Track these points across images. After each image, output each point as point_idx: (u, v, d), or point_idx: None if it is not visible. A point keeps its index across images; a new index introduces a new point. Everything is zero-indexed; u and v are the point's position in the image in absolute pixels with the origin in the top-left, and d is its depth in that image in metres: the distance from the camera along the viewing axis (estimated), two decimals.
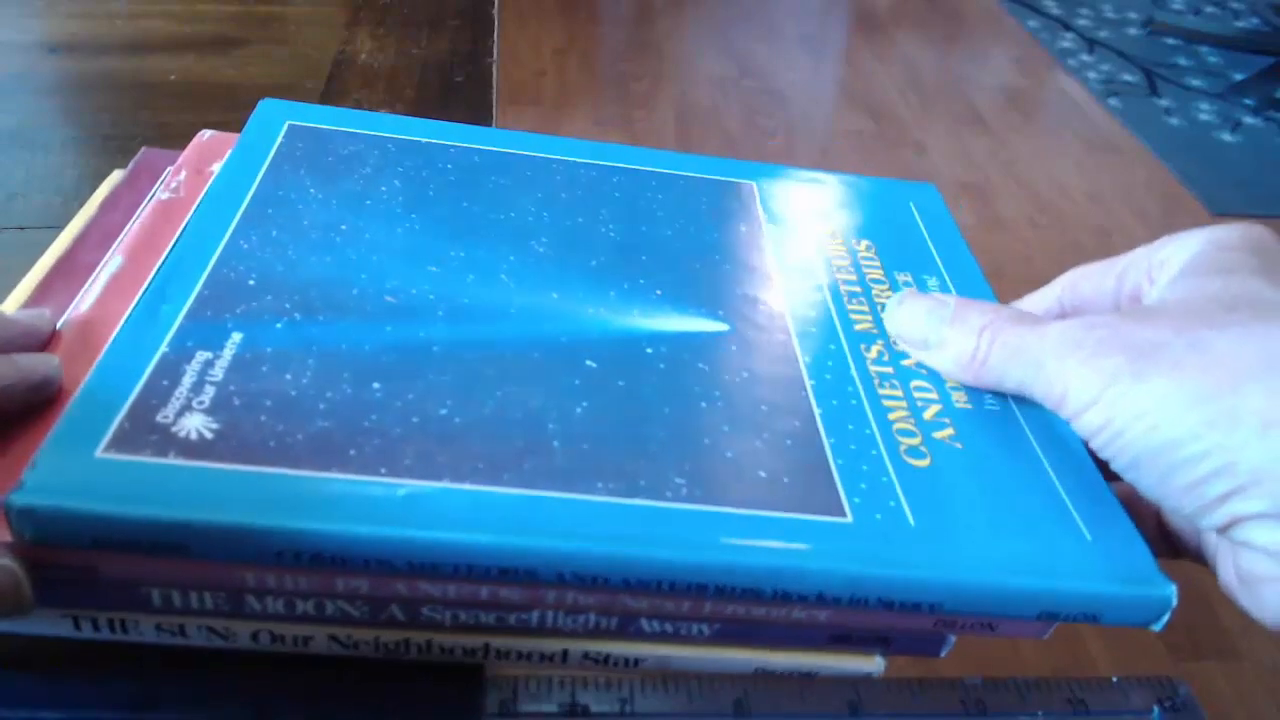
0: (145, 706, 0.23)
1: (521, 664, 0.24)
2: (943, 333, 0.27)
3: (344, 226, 0.28)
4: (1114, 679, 0.27)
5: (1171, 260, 0.26)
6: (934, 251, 0.33)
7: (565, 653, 0.24)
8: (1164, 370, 0.22)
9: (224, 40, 0.51)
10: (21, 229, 0.37)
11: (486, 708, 0.24)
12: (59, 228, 0.29)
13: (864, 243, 0.32)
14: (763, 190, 0.34)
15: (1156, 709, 0.26)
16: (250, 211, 0.28)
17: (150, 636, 0.23)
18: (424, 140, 0.33)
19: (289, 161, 0.31)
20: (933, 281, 0.31)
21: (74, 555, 0.21)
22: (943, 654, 0.24)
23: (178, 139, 0.33)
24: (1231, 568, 0.23)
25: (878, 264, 0.31)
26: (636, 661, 0.24)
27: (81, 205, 0.31)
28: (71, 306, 0.26)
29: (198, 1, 0.54)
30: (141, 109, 0.45)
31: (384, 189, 0.30)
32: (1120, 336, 0.24)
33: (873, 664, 0.24)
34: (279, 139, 0.31)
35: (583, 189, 0.32)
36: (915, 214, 0.35)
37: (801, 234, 0.32)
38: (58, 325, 0.25)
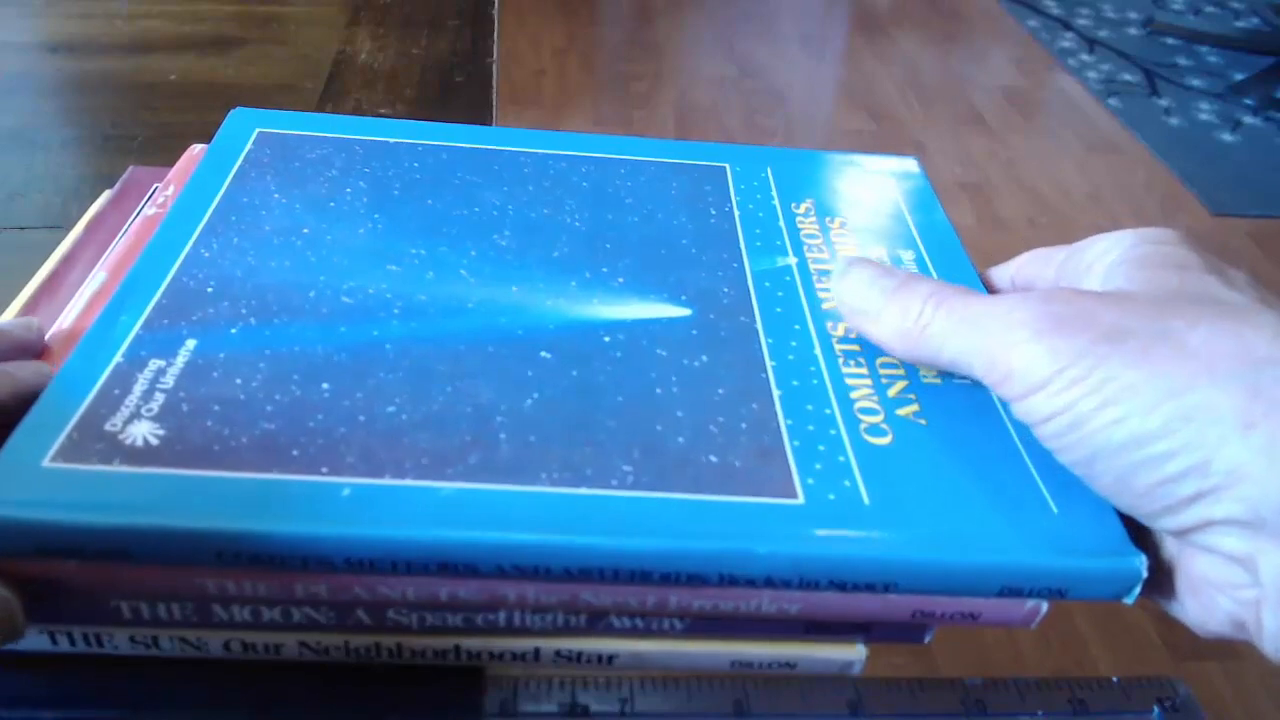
0: (145, 707, 0.23)
1: (494, 664, 0.24)
2: (884, 301, 0.25)
3: (306, 230, 0.28)
4: (1114, 679, 0.27)
5: (1111, 251, 0.25)
6: (912, 226, 0.32)
7: (537, 651, 0.23)
8: (1131, 358, 0.20)
9: (224, 40, 0.51)
10: (21, 229, 0.37)
11: (486, 708, 0.24)
12: (59, 228, 0.29)
13: (838, 219, 0.32)
14: (735, 172, 0.34)
15: (1156, 709, 0.26)
16: (214, 220, 0.28)
17: (125, 649, 0.23)
18: (393, 141, 0.33)
19: (256, 168, 0.31)
20: (909, 256, 0.30)
21: (31, 567, 0.21)
22: (926, 639, 0.24)
23: (178, 139, 0.33)
24: (1183, 572, 0.22)
25: (851, 241, 0.31)
26: (610, 658, 0.24)
27: (81, 205, 0.31)
28: (55, 324, 0.26)
29: (198, 1, 0.54)
30: (141, 109, 0.45)
31: (349, 191, 0.30)
32: (1082, 315, 0.22)
33: (854, 653, 0.24)
34: (247, 147, 0.32)
35: (550, 180, 0.32)
36: (895, 188, 0.34)
37: (773, 213, 0.32)
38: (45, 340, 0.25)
